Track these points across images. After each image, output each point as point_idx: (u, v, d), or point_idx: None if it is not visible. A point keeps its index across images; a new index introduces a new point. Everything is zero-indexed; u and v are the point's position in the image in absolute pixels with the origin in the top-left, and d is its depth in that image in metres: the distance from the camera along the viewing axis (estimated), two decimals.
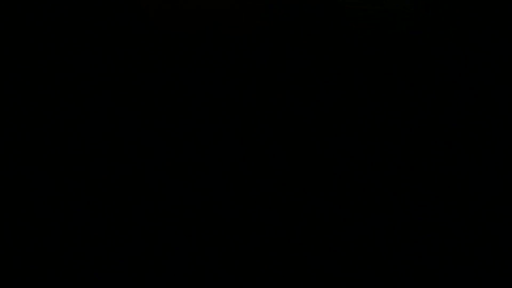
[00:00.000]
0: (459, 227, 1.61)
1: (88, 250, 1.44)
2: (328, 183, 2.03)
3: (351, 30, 4.12)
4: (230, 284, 1.35)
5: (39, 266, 1.36)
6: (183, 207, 1.73)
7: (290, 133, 2.76)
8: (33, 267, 1.35)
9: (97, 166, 1.98)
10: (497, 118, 1.82)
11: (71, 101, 2.33)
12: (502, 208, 1.65)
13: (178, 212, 1.70)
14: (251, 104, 3.40)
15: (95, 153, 2.08)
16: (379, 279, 1.38)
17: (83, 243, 1.47)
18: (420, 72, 2.71)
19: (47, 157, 1.97)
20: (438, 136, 2.05)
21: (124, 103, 2.50)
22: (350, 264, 1.45)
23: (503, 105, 1.81)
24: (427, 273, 1.40)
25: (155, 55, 2.89)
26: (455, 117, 2.00)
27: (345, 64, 4.06)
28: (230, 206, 1.77)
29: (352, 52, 4.07)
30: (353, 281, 1.38)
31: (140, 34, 2.77)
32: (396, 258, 1.48)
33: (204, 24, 3.53)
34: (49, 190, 1.76)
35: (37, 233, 1.50)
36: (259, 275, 1.38)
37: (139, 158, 2.10)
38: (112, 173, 1.93)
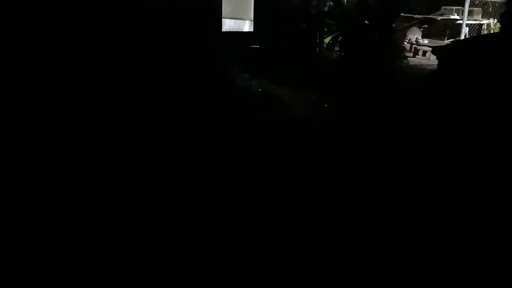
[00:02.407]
0: (459, 227, 1.61)
1: (88, 250, 1.44)
2: (328, 183, 2.03)
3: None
4: (230, 284, 1.35)
5: (39, 266, 1.36)
6: (183, 207, 1.73)
7: (290, 133, 2.76)
8: (33, 267, 1.35)
9: (97, 166, 1.98)
10: (497, 118, 1.82)
11: (71, 101, 2.33)
12: (502, 208, 1.65)
13: (178, 212, 1.70)
14: (251, 103, 3.40)
15: (95, 153, 2.08)
16: (379, 279, 1.38)
17: (83, 243, 1.47)
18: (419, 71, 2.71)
19: (47, 157, 1.97)
20: (438, 136, 2.05)
21: (124, 103, 2.50)
22: (350, 264, 1.45)
23: (503, 105, 1.82)
24: (427, 273, 1.40)
25: (155, 55, 2.89)
26: (454, 117, 2.00)
27: (345, 64, 4.06)
28: (230, 206, 1.77)
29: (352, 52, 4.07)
30: (353, 281, 1.38)
31: (140, 34, 2.77)
32: (396, 258, 1.48)
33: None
34: (49, 190, 1.76)
35: (37, 233, 1.50)
36: (259, 275, 1.38)
37: (139, 158, 2.10)
38: (112, 173, 1.93)
